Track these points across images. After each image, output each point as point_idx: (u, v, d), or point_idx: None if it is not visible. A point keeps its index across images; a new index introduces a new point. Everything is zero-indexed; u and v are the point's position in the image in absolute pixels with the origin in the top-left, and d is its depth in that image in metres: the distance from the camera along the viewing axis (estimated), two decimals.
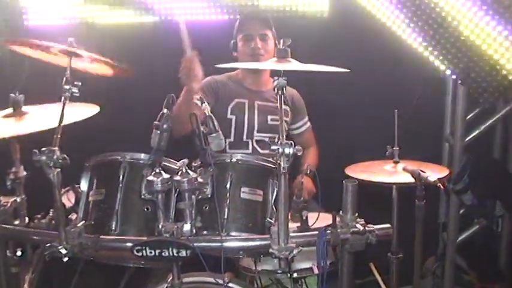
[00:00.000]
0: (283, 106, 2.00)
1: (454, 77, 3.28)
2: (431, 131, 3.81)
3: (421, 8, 3.22)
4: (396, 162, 2.79)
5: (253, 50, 3.10)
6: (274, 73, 2.08)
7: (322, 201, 2.29)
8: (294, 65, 2.12)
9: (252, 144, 3.15)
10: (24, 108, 2.33)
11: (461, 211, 3.59)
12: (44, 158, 1.88)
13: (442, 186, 2.33)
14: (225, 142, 2.35)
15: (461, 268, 3.71)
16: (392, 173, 2.75)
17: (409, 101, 3.48)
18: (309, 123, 3.40)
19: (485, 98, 3.20)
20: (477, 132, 3.53)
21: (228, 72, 3.27)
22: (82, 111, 2.27)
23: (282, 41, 2.12)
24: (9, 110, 2.32)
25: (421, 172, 2.45)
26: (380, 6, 3.34)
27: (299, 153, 1.86)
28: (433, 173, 2.55)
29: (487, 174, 3.46)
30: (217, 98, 3.13)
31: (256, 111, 3.17)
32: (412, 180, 2.51)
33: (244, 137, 3.15)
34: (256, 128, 3.15)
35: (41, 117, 2.31)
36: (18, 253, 2.48)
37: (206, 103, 2.18)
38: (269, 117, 3.17)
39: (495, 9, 3.05)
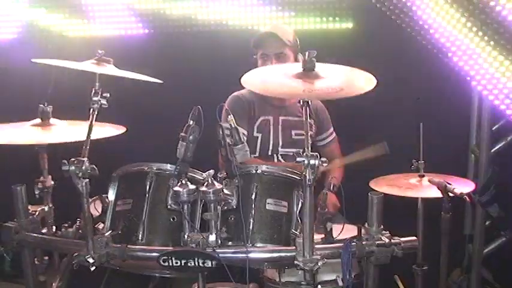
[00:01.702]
0: (309, 119, 2.01)
1: (479, 87, 3.25)
2: (458, 143, 3.78)
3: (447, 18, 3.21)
4: (421, 176, 2.77)
5: None
6: None
7: (346, 215, 2.29)
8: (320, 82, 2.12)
9: (278, 159, 3.17)
10: (52, 121, 2.36)
11: (487, 223, 3.55)
12: (73, 168, 1.90)
13: (468, 199, 2.31)
14: (250, 156, 2.36)
15: (487, 281, 3.66)
16: (417, 186, 2.73)
17: (435, 114, 3.46)
18: (334, 134, 3.40)
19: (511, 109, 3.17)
20: (503, 143, 3.49)
21: None
22: (109, 131, 2.33)
23: (307, 53, 2.12)
24: (37, 120, 2.36)
25: (447, 184, 2.44)
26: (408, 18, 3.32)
27: (324, 165, 1.87)
28: (459, 187, 2.53)
29: None
30: (244, 116, 3.15)
31: (280, 128, 3.20)
32: (437, 194, 2.49)
33: (269, 152, 3.18)
34: (280, 144, 3.19)
35: (68, 129, 2.35)
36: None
37: (232, 115, 2.20)
38: (293, 132, 3.20)
39: None
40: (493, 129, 3.47)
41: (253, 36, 3.25)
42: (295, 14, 3.78)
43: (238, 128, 2.21)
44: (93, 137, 2.01)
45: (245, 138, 2.24)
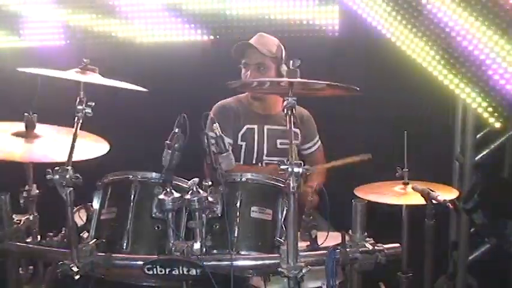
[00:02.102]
0: (294, 129, 2.02)
1: (463, 96, 3.29)
2: (442, 151, 3.81)
3: (430, 27, 3.25)
4: (406, 184, 2.79)
5: (245, 78, 3.14)
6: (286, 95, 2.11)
7: (331, 222, 2.31)
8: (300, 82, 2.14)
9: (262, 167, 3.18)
10: (37, 129, 2.35)
11: (472, 230, 3.58)
12: (57, 177, 1.90)
13: (451, 206, 2.33)
14: (235, 163, 2.37)
15: (472, 287, 3.68)
16: (402, 194, 2.75)
17: (419, 122, 3.50)
18: (319, 143, 3.41)
19: (495, 117, 3.21)
20: (487, 151, 3.53)
21: (238, 93, 3.30)
22: (93, 149, 2.33)
23: (291, 61, 2.14)
24: (21, 127, 2.35)
25: (430, 191, 2.45)
26: (391, 27, 3.36)
27: (308, 173, 1.89)
28: (443, 194, 2.55)
29: (497, 193, 3.44)
30: (229, 125, 3.17)
31: (265, 136, 3.21)
32: (421, 201, 2.51)
33: (254, 161, 3.19)
34: (265, 152, 3.20)
35: (51, 144, 2.34)
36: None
37: (217, 123, 2.21)
38: (278, 141, 3.21)
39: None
40: (477, 137, 3.51)
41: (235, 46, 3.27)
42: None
43: (224, 136, 2.22)
44: (76, 157, 2.00)
45: (230, 147, 2.25)
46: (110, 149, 2.39)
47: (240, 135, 3.18)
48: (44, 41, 4.00)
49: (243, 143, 3.18)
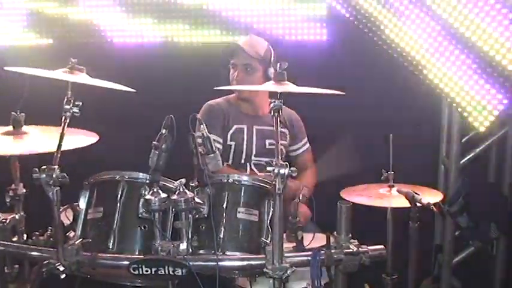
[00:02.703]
0: (282, 129, 2.04)
1: (449, 99, 3.32)
2: (428, 154, 3.84)
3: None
4: (391, 186, 2.81)
5: (232, 80, 3.16)
6: (273, 96, 2.13)
7: (318, 223, 2.32)
8: (290, 87, 2.16)
9: (250, 168, 3.19)
10: (25, 128, 2.36)
11: (457, 233, 3.61)
12: (43, 176, 1.91)
13: (435, 209, 2.35)
14: (223, 164, 2.38)
15: None
16: (387, 196, 2.77)
17: (405, 125, 3.53)
18: (308, 145, 3.42)
19: (479, 122, 3.25)
20: (472, 154, 3.56)
21: (227, 94, 3.32)
22: (81, 140, 2.33)
23: (278, 64, 2.16)
24: (9, 128, 2.36)
25: (414, 194, 2.47)
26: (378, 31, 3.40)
27: (294, 175, 1.91)
28: (428, 197, 2.57)
29: (482, 197, 3.48)
30: (218, 125, 3.18)
31: (254, 137, 3.20)
32: (406, 204, 2.53)
33: (243, 161, 3.19)
34: (254, 152, 3.19)
35: (40, 138, 2.35)
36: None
37: (204, 124, 2.22)
38: (267, 142, 3.20)
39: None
40: (463, 141, 3.54)
41: (225, 46, 3.29)
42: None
43: (211, 136, 2.24)
44: (65, 146, 2.01)
45: (220, 146, 2.27)
46: (97, 147, 2.38)
47: (229, 135, 3.18)
48: None
49: (233, 143, 3.18)
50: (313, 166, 3.43)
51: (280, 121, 2.07)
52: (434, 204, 2.47)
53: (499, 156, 3.65)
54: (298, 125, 3.38)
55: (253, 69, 3.14)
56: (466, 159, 3.55)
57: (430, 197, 2.65)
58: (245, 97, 3.23)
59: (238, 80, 3.12)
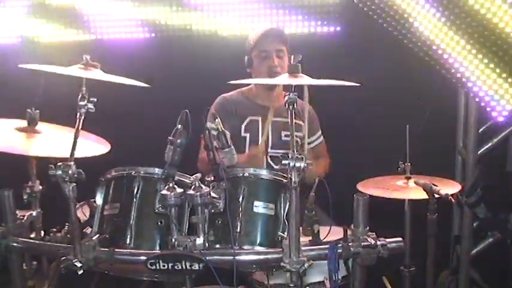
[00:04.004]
0: (298, 121, 2.03)
1: (466, 90, 3.29)
2: (445, 145, 3.81)
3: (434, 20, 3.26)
4: (408, 178, 2.79)
5: (270, 68, 3.13)
6: (287, 88, 2.12)
7: (334, 216, 2.31)
8: (305, 79, 2.15)
9: (267, 160, 3.17)
10: (39, 126, 2.37)
11: (475, 224, 3.58)
12: (59, 172, 1.91)
13: (453, 200, 2.33)
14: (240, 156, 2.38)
15: (476, 282, 3.69)
16: (404, 188, 2.75)
17: (421, 116, 3.50)
18: (321, 138, 3.41)
19: (498, 112, 3.21)
20: (490, 144, 3.53)
21: (239, 87, 3.30)
22: (94, 148, 2.35)
23: (292, 57, 2.15)
24: (24, 123, 2.36)
25: (432, 186, 2.46)
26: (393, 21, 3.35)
27: (309, 167, 1.89)
28: (446, 188, 2.56)
29: (500, 187, 3.45)
30: (232, 117, 3.17)
31: (270, 128, 3.19)
32: (423, 195, 2.51)
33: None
34: (270, 144, 3.18)
35: (53, 139, 2.36)
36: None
37: (219, 118, 2.21)
38: (283, 133, 3.19)
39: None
40: (480, 131, 3.51)
41: (250, 35, 3.28)
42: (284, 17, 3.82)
43: (226, 131, 2.23)
44: (78, 154, 2.00)
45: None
46: (112, 146, 2.39)
47: (243, 126, 3.17)
48: None
49: (247, 134, 3.17)
50: (327, 157, 3.41)
51: (295, 113, 2.06)
52: (452, 195, 2.45)
53: None
54: (314, 118, 3.37)
55: (284, 55, 3.17)
56: (483, 149, 3.52)
57: (448, 188, 2.64)
58: (269, 86, 3.23)
59: (279, 66, 3.13)
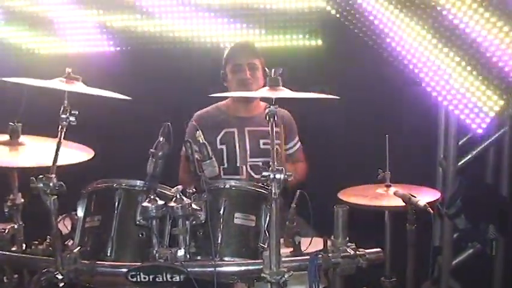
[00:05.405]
0: (276, 128, 2.06)
1: (445, 102, 3.33)
2: (426, 155, 3.85)
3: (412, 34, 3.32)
4: (388, 186, 2.82)
5: (242, 81, 3.17)
6: (266, 100, 2.15)
7: (315, 226, 2.33)
8: (285, 92, 2.18)
9: (246, 170, 3.19)
10: (22, 139, 2.37)
11: (455, 235, 3.61)
12: (41, 185, 1.92)
13: (431, 211, 2.35)
14: (220, 168, 2.39)
15: None
16: (384, 196, 2.78)
17: (402, 126, 3.55)
18: (299, 144, 3.42)
19: (477, 124, 3.26)
20: (470, 156, 3.57)
21: (217, 101, 3.33)
22: (77, 155, 2.37)
23: (273, 70, 2.17)
24: (6, 137, 2.37)
25: (411, 197, 2.48)
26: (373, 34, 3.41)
27: (290, 179, 1.91)
28: (425, 197, 2.59)
29: (480, 198, 3.49)
30: (206, 131, 3.18)
31: (247, 138, 3.21)
32: (403, 203, 2.54)
33: (238, 163, 3.19)
34: (248, 153, 3.20)
35: (36, 150, 2.37)
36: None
37: (200, 131, 2.23)
38: (261, 142, 3.21)
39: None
40: (460, 143, 3.55)
41: (225, 51, 3.32)
42: (265, 31, 3.87)
43: (207, 144, 2.24)
44: (61, 161, 2.02)
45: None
46: (93, 157, 2.40)
47: (218, 139, 3.18)
48: None
49: (223, 146, 3.18)
50: (304, 162, 3.43)
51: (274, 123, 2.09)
52: (432, 205, 2.47)
53: (497, 158, 3.67)
54: (291, 123, 3.37)
55: (257, 68, 3.20)
56: (463, 161, 3.56)
57: (427, 196, 2.67)
58: (246, 98, 3.26)
59: (249, 80, 3.15)
